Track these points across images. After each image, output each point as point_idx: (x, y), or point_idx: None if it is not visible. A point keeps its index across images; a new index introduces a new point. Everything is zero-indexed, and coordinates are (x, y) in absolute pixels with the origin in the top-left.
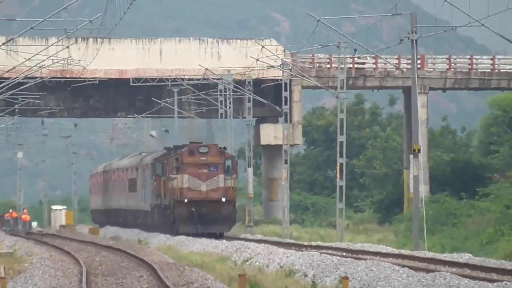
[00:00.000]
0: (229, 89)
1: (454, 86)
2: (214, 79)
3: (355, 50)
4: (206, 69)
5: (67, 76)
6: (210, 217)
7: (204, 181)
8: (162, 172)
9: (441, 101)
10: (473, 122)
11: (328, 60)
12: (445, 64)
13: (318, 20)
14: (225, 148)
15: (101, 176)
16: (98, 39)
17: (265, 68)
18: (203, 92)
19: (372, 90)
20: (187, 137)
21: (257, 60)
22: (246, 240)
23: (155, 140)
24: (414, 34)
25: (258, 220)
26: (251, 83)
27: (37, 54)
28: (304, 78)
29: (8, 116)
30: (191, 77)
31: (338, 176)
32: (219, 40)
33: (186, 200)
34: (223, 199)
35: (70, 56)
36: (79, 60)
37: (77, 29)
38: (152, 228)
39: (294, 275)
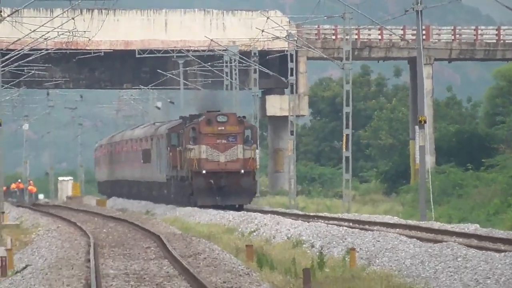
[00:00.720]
0: (235, 60)
1: (459, 57)
2: (219, 50)
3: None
4: (212, 40)
5: (72, 47)
6: (229, 189)
7: (223, 152)
8: (177, 143)
9: (446, 72)
10: (478, 93)
11: (333, 31)
12: (450, 35)
13: None
14: (244, 117)
15: (109, 147)
16: (103, 11)
17: (271, 39)
18: (209, 64)
19: (378, 61)
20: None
21: (262, 31)
22: (252, 211)
23: (160, 111)
24: (419, 4)
25: (265, 191)
26: (257, 54)
27: (42, 25)
28: (309, 49)
29: (13, 88)
30: (196, 49)
31: (344, 147)
32: (224, 11)
33: (204, 172)
34: (242, 171)
35: (75, 28)
36: (84, 32)
37: (82, 1)
38: (167, 200)
39: (301, 246)
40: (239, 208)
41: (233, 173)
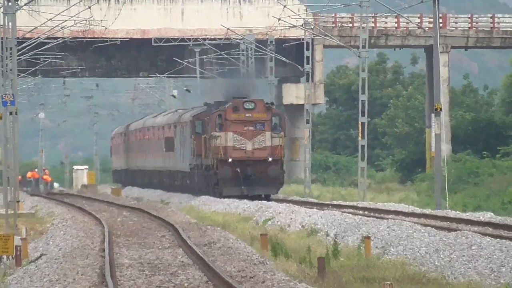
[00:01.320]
0: (251, 49)
1: (476, 45)
2: (236, 39)
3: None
4: (228, 29)
5: (89, 36)
6: (256, 178)
7: (250, 140)
8: (202, 130)
9: (463, 60)
10: (495, 81)
11: (350, 19)
12: (467, 23)
13: None
14: (272, 103)
15: (127, 134)
16: (120, 0)
17: (287, 27)
18: (225, 52)
19: (394, 49)
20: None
21: (279, 19)
22: (267, 199)
23: (177, 100)
24: None
25: None
26: (273, 43)
27: (59, 14)
28: (326, 37)
29: (30, 76)
30: (213, 37)
31: (360, 135)
32: (241, 0)
33: (230, 160)
34: (270, 159)
35: (92, 17)
36: (101, 20)
37: None
38: (191, 190)
39: (316, 234)
40: (266, 199)
41: (261, 162)
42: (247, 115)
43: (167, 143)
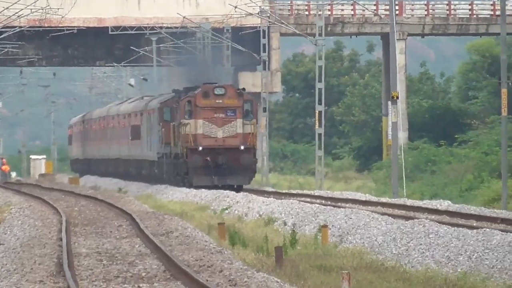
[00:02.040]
0: (208, 37)
1: (433, 32)
2: (192, 27)
3: None
4: (184, 17)
5: (46, 25)
6: (227, 167)
7: (221, 127)
8: (170, 117)
9: (420, 48)
10: (452, 68)
11: (306, 7)
12: (423, 10)
13: None
14: (243, 89)
15: (88, 123)
16: None
17: (244, 15)
18: (182, 41)
19: (351, 37)
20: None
21: (235, 7)
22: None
23: (134, 88)
24: None
25: None
26: (230, 31)
27: (15, 3)
28: (282, 25)
29: None
30: (169, 26)
31: (317, 123)
32: None
33: (200, 148)
34: (242, 147)
35: (48, 5)
36: (58, 9)
37: None
38: (159, 180)
39: (274, 224)
40: (238, 189)
41: (232, 150)
42: (217, 101)
43: (133, 131)
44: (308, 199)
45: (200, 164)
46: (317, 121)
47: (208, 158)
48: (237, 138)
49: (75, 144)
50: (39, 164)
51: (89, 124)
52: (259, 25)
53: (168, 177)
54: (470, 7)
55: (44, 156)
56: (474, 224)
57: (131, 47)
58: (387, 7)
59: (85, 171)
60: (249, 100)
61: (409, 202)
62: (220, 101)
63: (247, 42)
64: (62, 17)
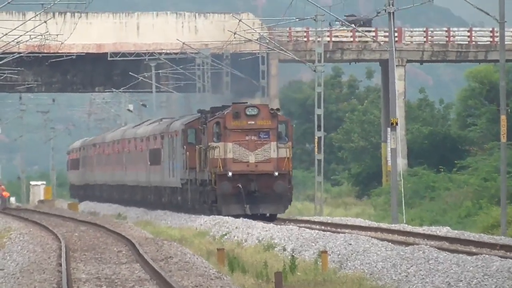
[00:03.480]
0: (207, 63)
1: (431, 59)
2: (191, 53)
3: (330, 23)
4: (184, 43)
5: (45, 51)
6: (260, 195)
7: (253, 151)
8: (195, 140)
9: (419, 74)
10: (450, 95)
11: (305, 34)
12: (422, 37)
13: None
14: (278, 109)
15: (100, 147)
16: (76, 14)
17: (243, 42)
18: (181, 67)
19: (350, 63)
20: (166, 110)
21: (235, 34)
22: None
23: (133, 114)
24: (391, 6)
25: None
26: (229, 57)
27: (15, 29)
28: (281, 51)
29: None
30: (168, 51)
31: (316, 149)
32: (196, 14)
33: (230, 174)
34: (276, 173)
35: (48, 31)
36: (57, 35)
37: (54, 4)
38: (183, 208)
39: (273, 249)
40: (271, 218)
41: (265, 176)
42: (249, 122)
43: (153, 156)
44: (308, 225)
45: (230, 192)
46: (316, 147)
47: (239, 185)
48: (271, 163)
49: (83, 168)
50: (39, 190)
51: (103, 147)
52: (258, 51)
53: (193, 205)
54: (469, 34)
55: (44, 182)
56: (474, 250)
57: (130, 73)
58: (387, 33)
59: (89, 197)
60: (284, 121)
61: (409, 228)
62: (253, 122)
63: (246, 68)
64: (61, 43)
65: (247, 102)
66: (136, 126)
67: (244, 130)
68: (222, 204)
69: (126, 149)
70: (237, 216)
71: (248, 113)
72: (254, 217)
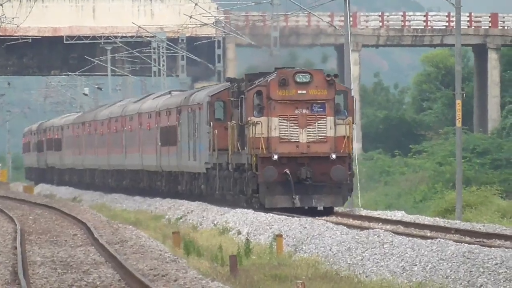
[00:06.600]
0: (162, 47)
1: (387, 43)
2: (147, 37)
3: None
4: (139, 26)
5: (0, 34)
6: (314, 184)
7: (304, 128)
8: (224, 116)
9: (374, 59)
10: (406, 80)
11: (261, 18)
12: (378, 21)
13: None
14: (336, 75)
15: (89, 126)
16: None
17: (199, 26)
18: (137, 50)
19: (305, 48)
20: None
21: (190, 17)
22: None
23: (88, 98)
24: None
25: None
26: (185, 41)
27: None
28: (237, 35)
29: None
30: (124, 35)
31: None
32: None
33: (275, 157)
34: (333, 156)
35: (4, 14)
36: (13, 18)
37: None
38: (209, 198)
39: (228, 233)
40: (327, 212)
41: (320, 160)
42: (299, 92)
43: (165, 134)
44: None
45: (275, 179)
46: None
47: (287, 171)
48: (327, 144)
49: (67, 150)
50: None
51: (96, 126)
52: (214, 35)
53: (222, 195)
54: (425, 18)
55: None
56: (429, 234)
57: (86, 56)
58: (342, 18)
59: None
60: (343, 91)
61: (364, 212)
62: (304, 91)
63: (203, 52)
64: (17, 26)
65: (293, 67)
66: (139, 101)
67: (292, 101)
68: (266, 195)
69: (127, 127)
70: (282, 210)
71: (298, 80)
72: (298, 210)
